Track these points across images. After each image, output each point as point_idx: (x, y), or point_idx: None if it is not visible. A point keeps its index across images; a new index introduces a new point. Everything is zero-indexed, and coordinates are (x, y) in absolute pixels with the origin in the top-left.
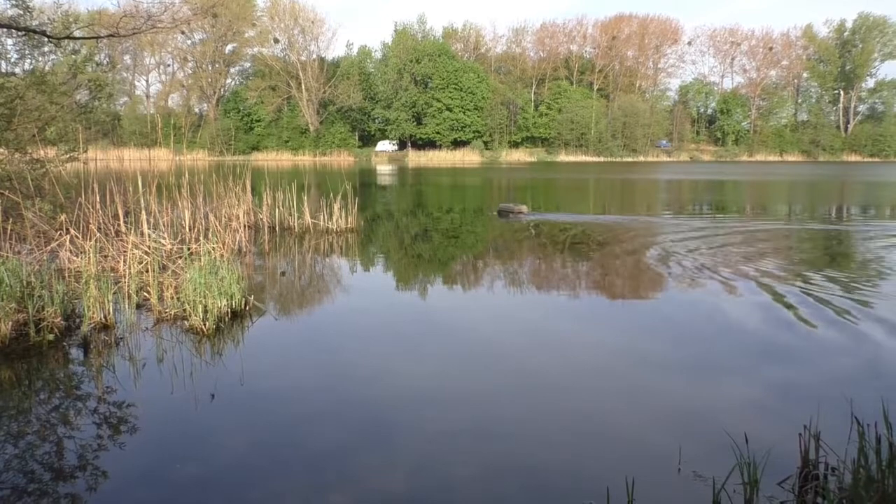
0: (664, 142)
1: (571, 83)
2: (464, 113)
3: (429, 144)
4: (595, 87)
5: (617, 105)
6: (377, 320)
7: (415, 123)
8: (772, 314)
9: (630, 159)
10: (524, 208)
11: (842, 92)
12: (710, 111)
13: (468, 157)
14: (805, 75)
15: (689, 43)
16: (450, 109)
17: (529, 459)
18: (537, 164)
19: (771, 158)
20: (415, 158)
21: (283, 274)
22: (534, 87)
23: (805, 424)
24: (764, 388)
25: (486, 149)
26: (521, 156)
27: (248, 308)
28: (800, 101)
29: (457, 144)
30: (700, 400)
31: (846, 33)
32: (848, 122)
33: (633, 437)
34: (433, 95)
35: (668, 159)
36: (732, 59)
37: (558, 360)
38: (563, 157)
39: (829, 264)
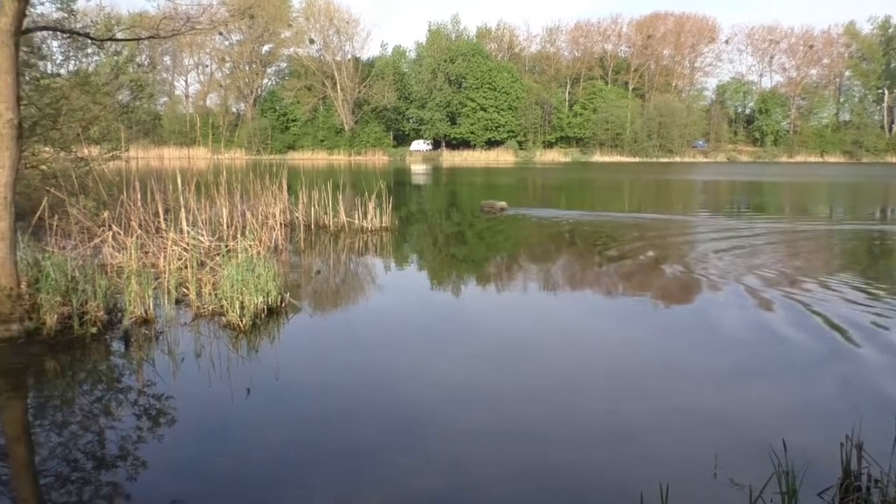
0: (701, 142)
1: (606, 83)
2: (498, 113)
3: (463, 144)
4: (630, 87)
5: (653, 105)
6: (410, 319)
7: (449, 123)
8: (812, 320)
9: (666, 160)
10: (504, 204)
11: (886, 91)
12: (748, 111)
13: (502, 157)
14: (847, 74)
15: (727, 41)
16: (484, 109)
17: (562, 462)
18: (571, 164)
19: (811, 159)
20: (449, 158)
21: (318, 272)
22: (568, 86)
23: (847, 434)
24: (803, 396)
25: (520, 149)
26: (555, 156)
27: (283, 305)
28: (842, 100)
29: (491, 144)
30: (736, 406)
31: (891, 30)
32: (893, 122)
33: (667, 441)
34: (467, 95)
35: (705, 160)
36: (771, 57)
37: (592, 362)
38: (598, 158)
39: (873, 268)
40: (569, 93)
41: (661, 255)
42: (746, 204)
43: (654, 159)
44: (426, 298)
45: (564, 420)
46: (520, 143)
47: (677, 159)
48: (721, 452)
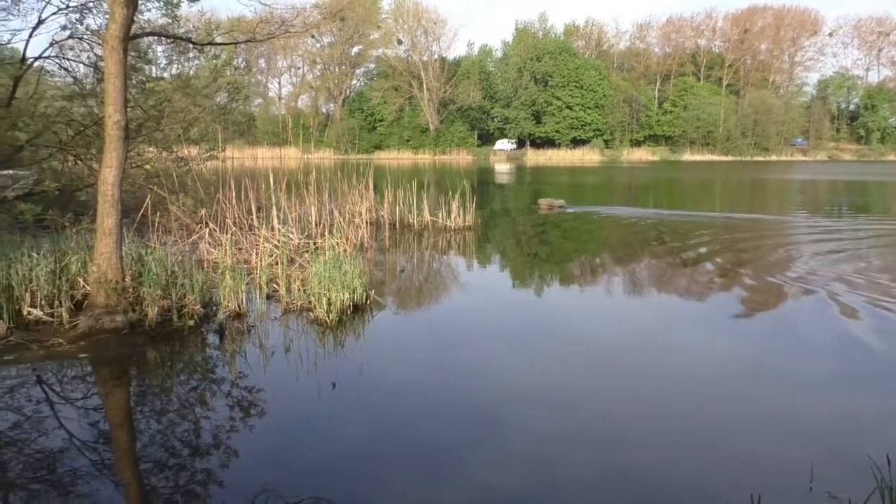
0: (800, 140)
1: (698, 79)
2: (584, 111)
3: (548, 143)
4: (724, 83)
5: (748, 101)
6: (491, 318)
7: (534, 122)
8: None
9: (761, 158)
10: (562, 202)
11: None
12: (852, 107)
13: (588, 156)
14: None
15: (831, 34)
16: (570, 108)
17: (645, 468)
18: (660, 163)
19: None
20: (533, 157)
21: (402, 271)
22: (658, 83)
23: None
24: None
25: (607, 147)
26: (642, 154)
27: (368, 302)
28: None
29: (576, 143)
30: (835, 416)
31: None
32: None
33: (759, 451)
34: (553, 94)
35: (804, 158)
36: (879, 50)
37: (676, 365)
38: (688, 157)
39: None
40: (658, 90)
41: (752, 256)
42: (849, 204)
43: (749, 158)
44: (508, 298)
45: (647, 424)
46: (606, 141)
47: (774, 158)
48: (817, 463)
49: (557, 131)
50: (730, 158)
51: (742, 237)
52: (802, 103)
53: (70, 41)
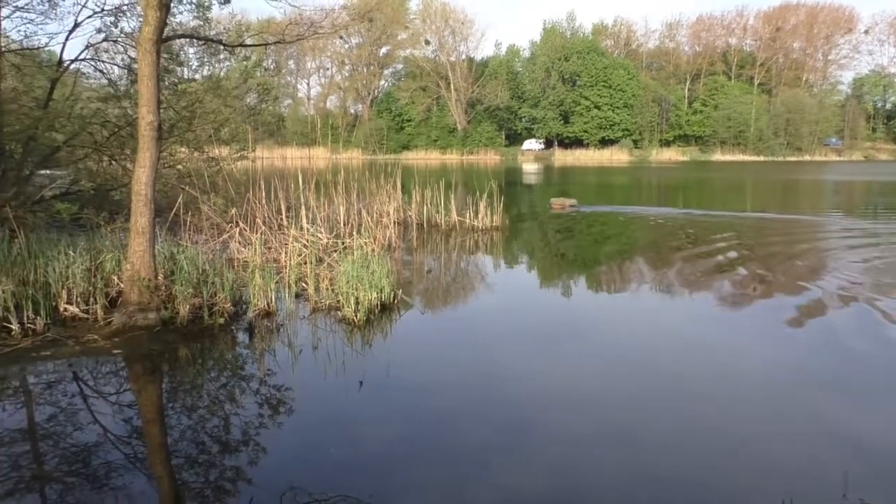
0: (834, 139)
1: (729, 78)
2: (612, 111)
3: (576, 143)
4: (756, 82)
5: (780, 100)
6: (520, 319)
7: (562, 122)
8: None
9: (794, 158)
10: (574, 202)
11: None
12: (889, 106)
13: (616, 156)
14: None
15: (866, 31)
16: (598, 107)
17: (674, 471)
18: (690, 163)
19: None
20: (561, 157)
21: (429, 272)
22: (688, 82)
23: None
24: None
25: (636, 147)
26: (672, 154)
27: (396, 301)
28: None
29: (604, 143)
30: (870, 424)
31: None
32: None
33: (790, 456)
34: (581, 93)
35: (839, 158)
36: None
37: (709, 370)
38: (719, 157)
39: None
40: (688, 89)
41: (787, 258)
42: (886, 205)
43: (781, 158)
44: (535, 299)
45: (677, 428)
46: (635, 141)
47: (807, 158)
48: (852, 472)
49: (586, 131)
50: (761, 158)
51: (775, 239)
52: (837, 102)
53: (105, 44)
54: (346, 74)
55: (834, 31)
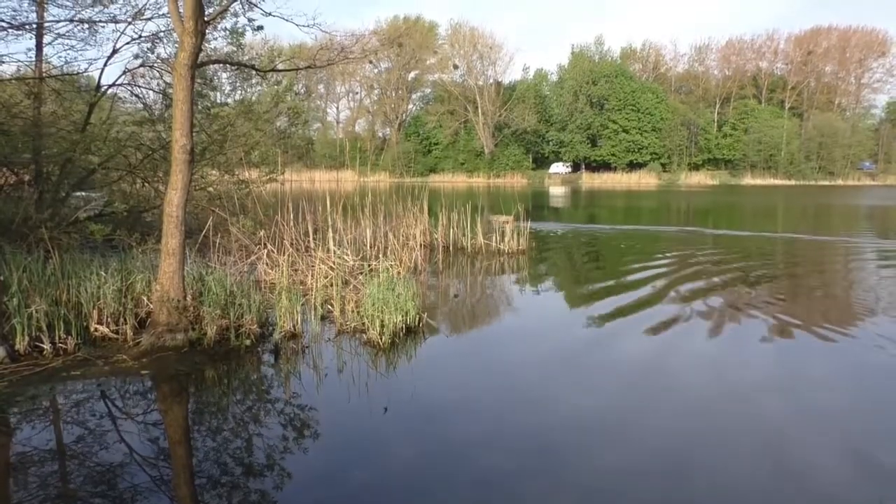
0: (867, 163)
1: (759, 102)
2: (641, 134)
3: (603, 167)
4: (787, 106)
5: (812, 124)
6: (546, 345)
7: (589, 145)
8: None
9: (826, 182)
10: (509, 219)
11: None
12: None
13: (644, 180)
14: None
15: None
16: (626, 131)
17: None
18: (719, 187)
19: None
20: (588, 181)
21: (455, 296)
22: (717, 106)
23: None
24: None
25: (664, 171)
26: (701, 178)
27: (421, 325)
28: None
29: (632, 167)
30: None
31: None
32: None
33: (828, 491)
34: (609, 117)
35: (873, 183)
36: None
37: (743, 399)
38: (749, 181)
39: None
40: (717, 113)
41: (826, 276)
42: None
43: (813, 182)
44: (561, 324)
45: (713, 460)
46: (663, 165)
47: (840, 182)
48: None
49: (614, 154)
50: (793, 182)
51: (812, 261)
52: (870, 126)
53: (141, 69)
54: (375, 98)
55: (867, 54)
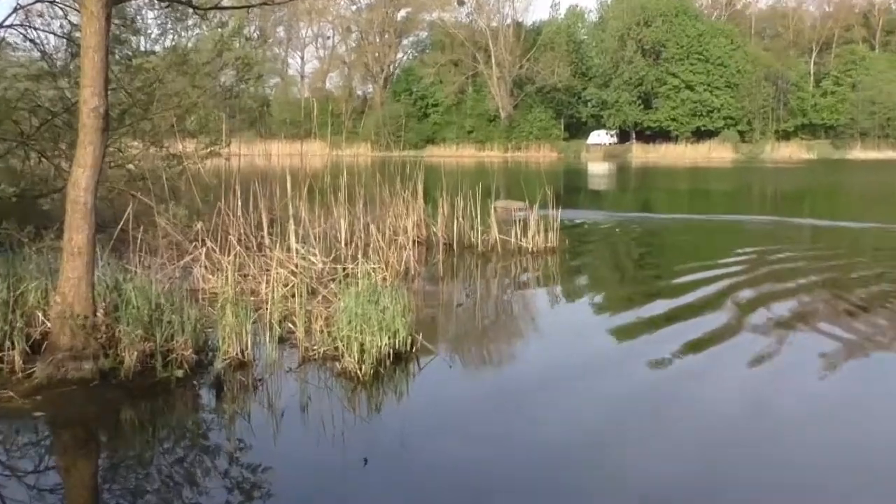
0: None
1: (872, 47)
2: (711, 92)
3: (660, 136)
4: None
5: None
6: (577, 374)
7: (641, 107)
8: None
9: None
10: (522, 205)
11: None
12: None
13: (716, 153)
14: None
15: None
16: (691, 88)
17: None
18: (818, 162)
19: None
20: (641, 154)
21: (459, 306)
22: (814, 54)
23: None
24: None
25: (743, 141)
26: (793, 151)
27: (414, 349)
28: None
29: (700, 136)
30: None
31: None
32: None
33: None
34: (667, 69)
35: None
36: None
37: (844, 460)
38: (858, 154)
39: None
40: (815, 63)
41: None
42: None
43: None
44: (598, 349)
45: None
46: (741, 133)
47: None
48: None
49: (674, 119)
50: None
51: None
52: None
53: (39, 5)
54: (353, 45)
55: None
